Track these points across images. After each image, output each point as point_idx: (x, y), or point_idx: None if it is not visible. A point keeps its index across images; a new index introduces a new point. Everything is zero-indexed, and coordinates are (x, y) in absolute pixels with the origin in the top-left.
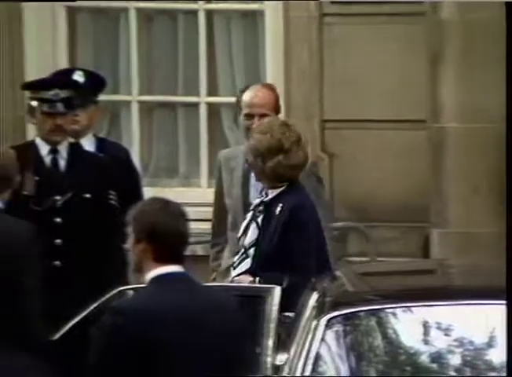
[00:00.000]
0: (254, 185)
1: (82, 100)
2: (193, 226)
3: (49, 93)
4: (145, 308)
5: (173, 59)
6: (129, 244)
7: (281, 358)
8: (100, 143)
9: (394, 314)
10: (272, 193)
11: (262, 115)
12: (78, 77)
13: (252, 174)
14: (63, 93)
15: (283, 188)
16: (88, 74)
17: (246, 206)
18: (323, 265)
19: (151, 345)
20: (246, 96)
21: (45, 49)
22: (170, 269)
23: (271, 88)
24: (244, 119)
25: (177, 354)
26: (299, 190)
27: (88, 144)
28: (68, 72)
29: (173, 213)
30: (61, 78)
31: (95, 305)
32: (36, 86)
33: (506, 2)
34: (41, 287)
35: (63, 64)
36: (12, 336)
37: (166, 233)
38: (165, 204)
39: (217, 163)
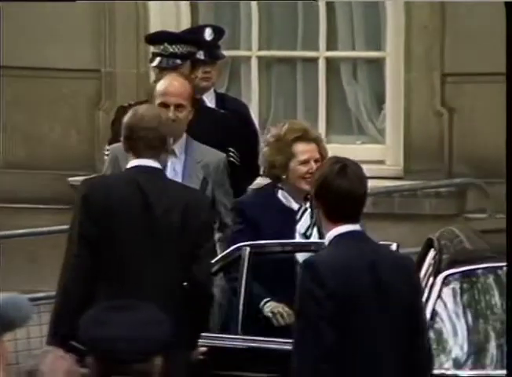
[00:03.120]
0: None
1: (210, 56)
2: None
3: (160, 48)
4: (337, 261)
5: (292, 14)
6: None
7: None
8: (221, 98)
9: None
10: None
11: (178, 106)
12: (208, 34)
13: None
14: (173, 48)
15: None
16: (218, 30)
17: None
18: None
19: (345, 298)
20: (161, 86)
21: (168, 6)
22: (348, 228)
23: (187, 78)
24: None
25: (364, 309)
26: None
27: (209, 99)
28: (199, 29)
29: (339, 171)
30: (175, 33)
31: (215, 260)
32: (149, 40)
33: (506, 2)
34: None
35: (185, 20)
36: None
37: (333, 192)
38: (341, 165)
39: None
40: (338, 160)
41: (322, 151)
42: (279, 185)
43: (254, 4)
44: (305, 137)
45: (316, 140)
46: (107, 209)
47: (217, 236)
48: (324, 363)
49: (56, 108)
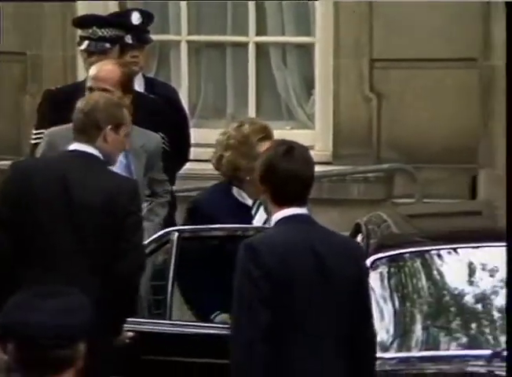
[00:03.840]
0: None
1: (138, 40)
2: None
3: (89, 31)
4: (277, 243)
5: None
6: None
7: None
8: (150, 83)
9: (439, 256)
10: None
11: (103, 90)
12: (136, 18)
13: None
14: (101, 32)
15: None
16: (146, 15)
17: None
18: None
19: (283, 280)
20: (92, 70)
21: None
22: (294, 211)
23: (123, 65)
24: (87, 93)
25: (303, 293)
26: None
27: (138, 84)
28: (127, 13)
29: (285, 153)
30: (104, 17)
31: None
32: (77, 24)
33: (506, 2)
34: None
35: (113, 4)
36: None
37: (279, 174)
38: (287, 147)
39: None
40: (283, 143)
41: None
42: (235, 183)
43: None
44: (267, 135)
45: (273, 135)
46: (27, 192)
47: (145, 204)
48: (259, 344)
49: None
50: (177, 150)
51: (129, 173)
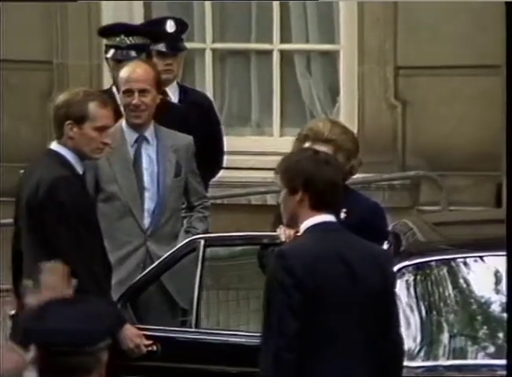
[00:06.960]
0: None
1: (171, 48)
2: (264, 175)
3: (116, 40)
4: (308, 252)
5: (246, 6)
6: (280, 198)
7: None
8: (183, 90)
9: (466, 264)
10: None
11: (142, 91)
12: (170, 27)
13: None
14: (130, 40)
15: None
16: (180, 23)
17: None
18: None
19: (314, 288)
20: (124, 73)
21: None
22: (325, 219)
23: (150, 64)
24: (124, 97)
25: (333, 299)
26: None
27: (172, 92)
28: (161, 21)
29: (325, 161)
30: (132, 25)
31: (167, 254)
32: (103, 32)
33: (506, 2)
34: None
35: (138, 13)
36: None
37: (322, 182)
38: (314, 153)
39: None
40: (315, 151)
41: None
42: None
43: None
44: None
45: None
46: None
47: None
48: (287, 352)
49: (6, 100)
50: (210, 157)
51: (154, 178)
